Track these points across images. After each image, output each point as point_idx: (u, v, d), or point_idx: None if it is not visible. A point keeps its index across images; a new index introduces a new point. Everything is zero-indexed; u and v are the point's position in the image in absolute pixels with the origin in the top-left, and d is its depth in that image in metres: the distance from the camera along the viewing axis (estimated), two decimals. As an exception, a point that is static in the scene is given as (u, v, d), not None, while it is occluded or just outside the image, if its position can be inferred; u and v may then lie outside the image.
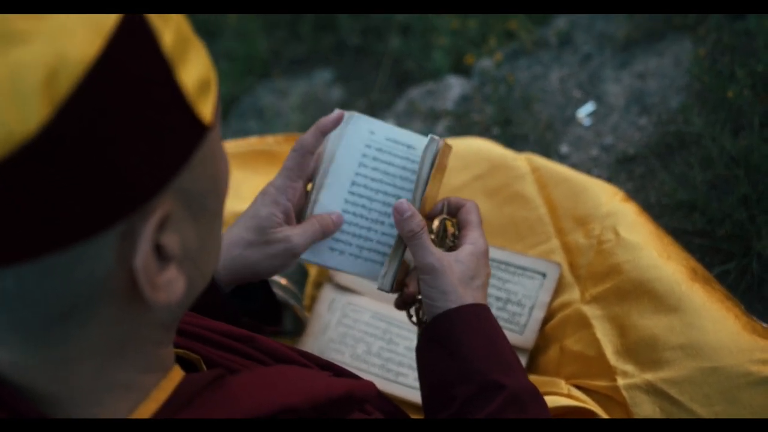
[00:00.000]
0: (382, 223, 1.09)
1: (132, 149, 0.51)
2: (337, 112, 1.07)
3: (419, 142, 1.10)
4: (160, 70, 0.52)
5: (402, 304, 1.09)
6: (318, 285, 1.56)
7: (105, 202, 0.51)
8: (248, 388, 0.65)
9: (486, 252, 1.04)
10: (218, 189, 0.62)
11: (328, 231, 1.05)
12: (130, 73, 0.50)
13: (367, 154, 1.08)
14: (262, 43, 2.73)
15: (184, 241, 0.58)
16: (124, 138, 0.50)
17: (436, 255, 0.98)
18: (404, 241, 1.01)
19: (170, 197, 0.55)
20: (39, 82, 0.47)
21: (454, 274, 0.98)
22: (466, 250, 1.01)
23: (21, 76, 0.46)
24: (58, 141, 0.48)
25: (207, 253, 0.63)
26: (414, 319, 1.08)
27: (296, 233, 1.01)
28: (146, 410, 0.61)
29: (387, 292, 1.05)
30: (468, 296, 0.98)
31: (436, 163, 1.03)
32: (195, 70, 0.55)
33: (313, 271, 1.56)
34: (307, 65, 2.69)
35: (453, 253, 1.01)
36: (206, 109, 0.56)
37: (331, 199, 1.07)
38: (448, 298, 0.97)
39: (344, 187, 1.08)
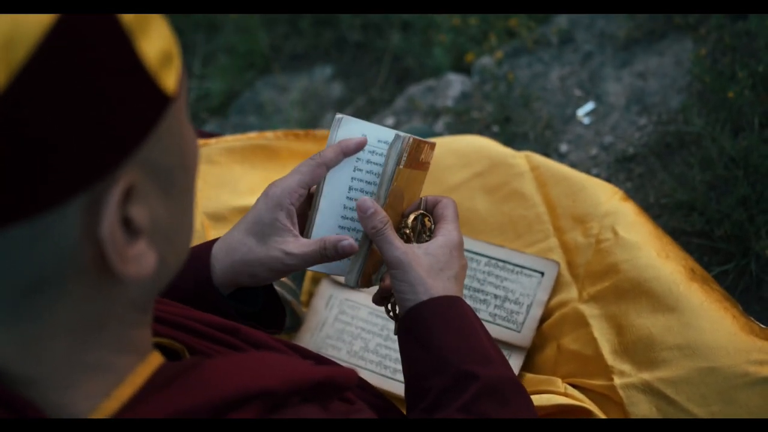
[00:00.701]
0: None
1: (92, 118, 0.51)
2: (360, 138, 1.06)
3: (390, 135, 1.10)
4: (119, 40, 0.52)
5: (380, 300, 1.08)
6: (316, 281, 1.56)
7: (66, 171, 0.51)
8: (224, 371, 0.65)
9: (460, 244, 1.02)
10: (186, 163, 0.61)
11: (329, 257, 1.01)
12: (87, 42, 0.50)
13: (361, 158, 1.07)
14: (262, 38, 2.73)
15: (154, 215, 0.58)
16: (83, 107, 0.50)
17: (402, 249, 0.97)
18: (369, 237, 1.01)
19: (135, 168, 0.55)
20: None
21: (422, 266, 0.97)
22: (436, 242, 1.00)
23: None
24: (15, 108, 0.48)
25: (179, 230, 0.63)
26: (391, 314, 1.08)
27: (297, 252, 0.99)
28: (122, 394, 0.61)
29: (353, 288, 1.05)
30: (438, 288, 0.97)
31: (405, 159, 1.02)
32: (156, 42, 0.55)
33: (310, 267, 1.55)
34: (307, 61, 2.69)
35: (422, 246, 1.00)
36: (169, 80, 0.56)
37: (329, 206, 1.06)
38: (416, 290, 0.96)
39: (342, 193, 1.07)
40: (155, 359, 0.65)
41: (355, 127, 1.08)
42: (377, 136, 1.09)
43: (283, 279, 1.42)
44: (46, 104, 0.49)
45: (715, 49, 1.95)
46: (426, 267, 0.97)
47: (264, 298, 1.09)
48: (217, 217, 1.53)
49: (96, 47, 0.51)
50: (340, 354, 1.45)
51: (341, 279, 1.51)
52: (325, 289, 1.52)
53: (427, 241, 1.04)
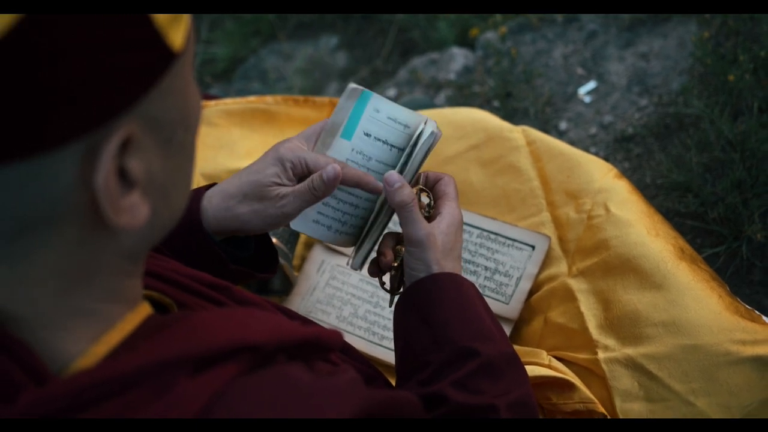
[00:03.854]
0: (370, 200, 1.10)
1: (95, 67, 0.51)
2: (376, 183, 1.04)
3: (415, 121, 1.11)
4: None
5: (377, 271, 1.09)
6: (308, 246, 1.57)
7: (66, 116, 0.51)
8: (212, 324, 0.66)
9: (461, 223, 1.05)
10: (188, 121, 0.62)
11: (318, 192, 1.01)
12: None
13: (369, 132, 1.08)
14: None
15: (150, 169, 0.58)
16: (86, 53, 0.51)
17: (425, 229, 0.99)
18: (395, 211, 1.01)
19: (135, 121, 0.55)
20: None
21: (437, 246, 1.00)
22: (445, 221, 1.02)
23: None
24: (19, 48, 0.48)
25: (175, 186, 0.63)
26: (386, 285, 1.09)
27: (291, 197, 1.00)
28: (111, 339, 0.62)
29: (356, 269, 1.07)
30: (448, 267, 1.00)
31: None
32: None
33: (304, 232, 1.56)
34: (312, 30, 2.69)
35: (434, 225, 1.01)
36: (177, 36, 0.56)
37: None
38: (431, 269, 0.99)
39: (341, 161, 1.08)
40: (144, 309, 0.66)
41: (372, 103, 1.09)
42: (388, 113, 1.09)
43: (276, 242, 1.42)
44: (52, 47, 0.49)
45: (718, 32, 1.94)
46: (441, 247, 1.00)
47: (256, 244, 1.10)
48: (213, 178, 1.53)
49: None
50: (330, 319, 1.46)
51: (334, 246, 1.52)
52: (317, 254, 1.53)
53: (426, 216, 1.05)
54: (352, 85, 1.09)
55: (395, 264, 1.05)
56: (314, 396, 0.63)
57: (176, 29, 0.56)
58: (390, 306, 1.08)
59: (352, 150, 1.08)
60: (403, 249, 1.04)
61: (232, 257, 1.05)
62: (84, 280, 0.60)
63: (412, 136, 1.10)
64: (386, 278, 1.11)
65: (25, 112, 0.50)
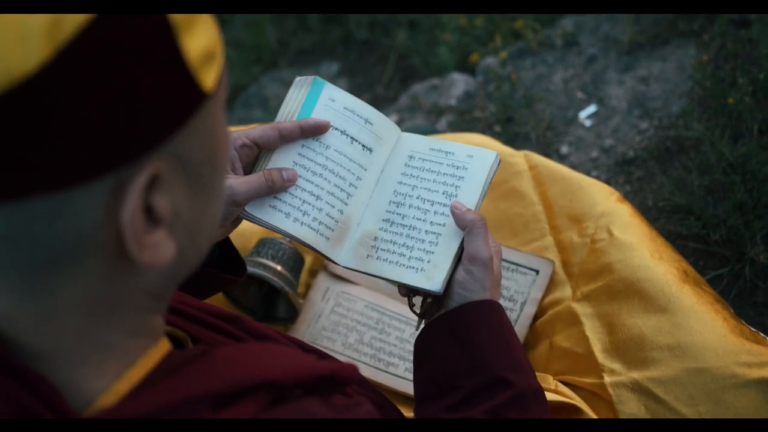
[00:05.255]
0: (333, 194, 1.08)
1: (126, 104, 0.52)
2: (324, 123, 1.07)
3: (375, 117, 1.11)
4: (164, 34, 0.53)
5: (407, 292, 1.08)
6: (313, 273, 1.58)
7: (94, 152, 0.52)
8: (232, 360, 0.66)
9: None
10: (216, 161, 0.62)
11: (276, 187, 1.04)
12: (132, 31, 0.52)
13: (323, 141, 1.09)
14: (270, 33, 2.74)
15: (176, 207, 0.58)
16: (119, 91, 0.51)
17: (490, 252, 1.00)
18: (464, 231, 1.02)
19: (164, 158, 0.56)
20: (44, 24, 0.48)
21: (494, 273, 1.01)
22: (495, 253, 1.03)
23: (27, 17, 0.48)
24: (55, 83, 0.49)
25: (201, 225, 0.64)
26: (416, 308, 1.08)
27: (239, 182, 1.00)
28: (133, 376, 0.62)
29: (439, 293, 1.03)
30: (495, 294, 1.01)
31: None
32: (201, 39, 0.56)
33: (308, 259, 1.57)
34: (313, 57, 2.70)
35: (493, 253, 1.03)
36: (208, 78, 0.57)
37: (282, 156, 1.07)
38: (485, 294, 0.99)
39: (294, 149, 1.08)
40: (164, 345, 0.66)
41: (327, 92, 1.10)
42: (344, 104, 1.10)
43: (280, 270, 1.43)
44: (85, 83, 0.50)
45: (717, 55, 1.96)
46: (496, 275, 1.01)
47: (219, 249, 1.10)
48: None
49: (140, 37, 0.52)
50: (335, 346, 1.46)
51: (337, 271, 1.52)
52: (322, 281, 1.54)
53: None
54: (300, 77, 1.09)
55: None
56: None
57: (208, 70, 0.57)
58: (417, 329, 1.07)
59: (308, 137, 1.08)
60: None
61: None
62: (108, 315, 0.60)
63: (379, 135, 1.10)
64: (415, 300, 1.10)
65: (55, 145, 0.50)
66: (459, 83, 2.21)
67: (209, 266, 1.08)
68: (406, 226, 1.07)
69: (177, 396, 0.60)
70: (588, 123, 2.00)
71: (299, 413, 0.64)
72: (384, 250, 1.07)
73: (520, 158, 1.54)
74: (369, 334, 1.46)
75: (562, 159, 1.94)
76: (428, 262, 1.04)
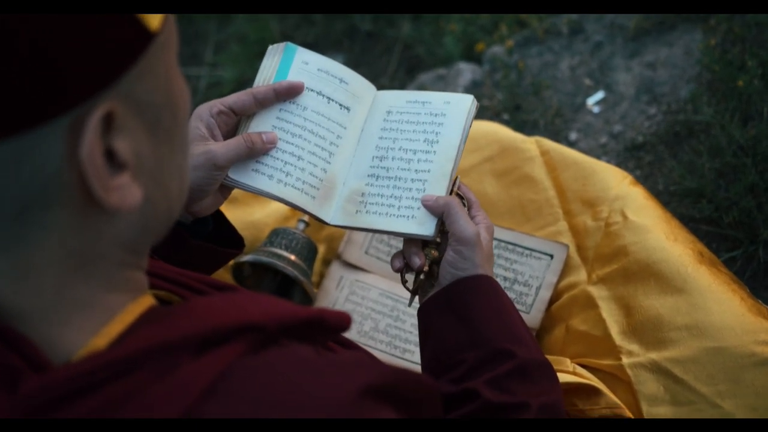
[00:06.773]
0: (314, 154, 1.09)
1: (73, 46, 0.53)
2: (297, 83, 1.09)
3: (351, 76, 1.14)
4: None
5: (401, 268, 1.09)
6: (327, 262, 1.58)
7: (48, 93, 0.53)
8: (213, 306, 0.65)
9: (493, 230, 1.08)
10: (174, 108, 0.64)
11: (256, 149, 1.05)
12: None
13: (298, 102, 1.11)
14: (274, 27, 2.74)
15: (138, 151, 0.60)
16: (65, 33, 0.53)
17: (475, 229, 1.01)
18: (443, 217, 1.04)
19: (117, 98, 0.57)
20: None
21: (483, 247, 1.02)
22: (482, 227, 1.05)
23: None
24: (1, 28, 0.51)
25: (168, 173, 0.65)
26: (409, 285, 1.10)
27: (218, 146, 1.02)
28: (111, 331, 0.62)
29: (433, 238, 1.05)
30: (489, 271, 1.02)
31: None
32: None
33: (322, 248, 1.57)
34: (318, 49, 2.68)
35: (480, 229, 1.04)
36: (153, 19, 0.59)
37: (260, 121, 1.08)
38: (477, 270, 1.01)
39: (272, 113, 1.09)
40: (147, 300, 0.66)
41: (300, 55, 1.12)
42: (318, 65, 1.12)
43: (294, 259, 1.43)
44: (32, 29, 0.52)
45: (724, 39, 1.95)
46: (486, 250, 1.02)
47: (214, 222, 1.12)
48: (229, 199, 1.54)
49: None
50: (351, 334, 1.46)
51: (351, 260, 1.52)
52: (336, 270, 1.54)
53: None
54: (273, 45, 1.11)
55: (426, 269, 1.06)
56: (326, 372, 0.62)
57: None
58: (409, 305, 1.10)
59: (285, 101, 1.09)
60: (433, 252, 1.05)
61: (192, 233, 1.06)
62: (83, 269, 0.61)
63: (355, 94, 1.13)
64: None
65: (9, 90, 0.52)
66: (466, 72, 2.21)
67: (207, 240, 1.08)
68: (392, 177, 1.09)
69: (157, 340, 0.59)
70: (596, 109, 2.00)
71: (288, 356, 0.63)
72: (373, 203, 1.08)
73: (532, 144, 1.54)
74: (384, 322, 1.47)
75: (571, 145, 1.94)
76: (418, 209, 1.06)
